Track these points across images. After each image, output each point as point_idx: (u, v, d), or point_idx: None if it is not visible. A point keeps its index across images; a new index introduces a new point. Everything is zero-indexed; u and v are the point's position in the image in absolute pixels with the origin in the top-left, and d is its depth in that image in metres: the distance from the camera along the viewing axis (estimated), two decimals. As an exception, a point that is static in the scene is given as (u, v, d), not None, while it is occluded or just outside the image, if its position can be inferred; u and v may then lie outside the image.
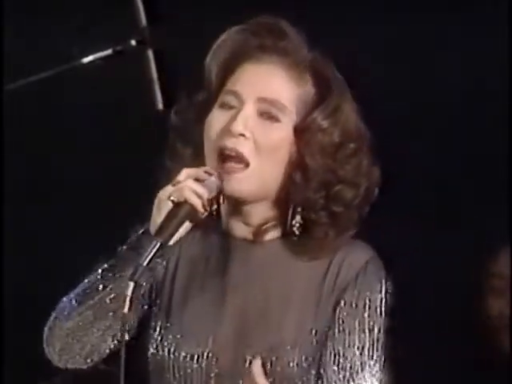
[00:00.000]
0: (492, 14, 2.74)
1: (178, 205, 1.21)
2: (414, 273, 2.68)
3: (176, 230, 1.20)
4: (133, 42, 2.31)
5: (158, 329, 1.32)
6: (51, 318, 1.31)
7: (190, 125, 1.37)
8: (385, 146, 2.74)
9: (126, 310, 1.16)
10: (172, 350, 1.29)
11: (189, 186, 1.22)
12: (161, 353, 1.30)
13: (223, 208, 1.31)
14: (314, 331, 1.30)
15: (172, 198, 1.21)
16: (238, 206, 1.31)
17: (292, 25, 1.40)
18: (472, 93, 2.77)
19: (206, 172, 1.26)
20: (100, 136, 2.91)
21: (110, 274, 1.27)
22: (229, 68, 1.35)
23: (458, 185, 2.78)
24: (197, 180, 1.23)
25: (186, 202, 1.21)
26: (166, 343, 1.30)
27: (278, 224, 1.34)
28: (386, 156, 2.75)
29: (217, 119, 1.32)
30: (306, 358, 1.29)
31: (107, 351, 1.30)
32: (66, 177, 3.04)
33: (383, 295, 1.33)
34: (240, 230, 1.34)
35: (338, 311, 1.30)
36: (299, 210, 1.32)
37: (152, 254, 1.16)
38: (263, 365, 1.27)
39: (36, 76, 2.37)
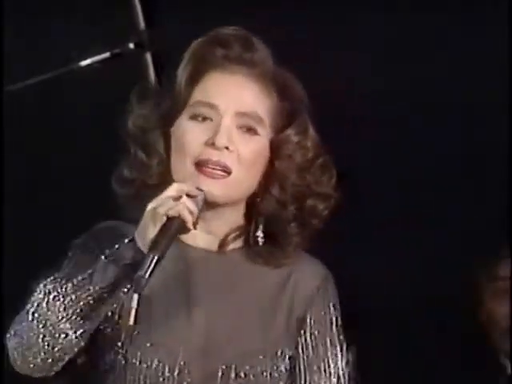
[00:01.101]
0: (492, 13, 2.75)
1: (170, 219, 1.21)
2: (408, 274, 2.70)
3: (170, 244, 1.20)
4: (131, 45, 2.31)
5: (122, 337, 1.30)
6: (16, 325, 1.27)
7: (152, 134, 1.37)
8: (383, 144, 2.76)
9: (131, 322, 1.17)
10: (143, 358, 1.29)
11: (183, 202, 1.22)
12: (130, 361, 1.29)
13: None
14: (280, 341, 1.33)
15: (169, 212, 1.21)
16: (206, 213, 1.31)
17: (289, 24, 1.41)
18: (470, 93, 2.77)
19: (197, 188, 1.27)
20: (99, 138, 2.91)
21: (91, 287, 1.23)
22: (195, 77, 1.35)
23: (457, 185, 2.79)
24: (188, 196, 1.24)
25: (178, 217, 1.21)
26: (135, 351, 1.29)
27: (242, 234, 1.36)
28: (384, 156, 2.77)
29: (191, 131, 1.32)
30: (277, 368, 1.32)
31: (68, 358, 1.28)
32: (66, 177, 3.04)
33: (339, 309, 1.39)
34: (202, 239, 1.34)
35: (307, 326, 1.35)
36: (262, 220, 1.35)
37: (152, 267, 1.16)
38: (237, 374, 1.29)
39: (34, 78, 2.36)
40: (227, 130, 1.30)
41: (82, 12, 2.83)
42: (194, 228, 1.23)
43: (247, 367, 1.29)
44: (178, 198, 1.22)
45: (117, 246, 1.24)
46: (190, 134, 1.32)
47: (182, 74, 1.37)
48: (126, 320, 1.19)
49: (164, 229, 1.20)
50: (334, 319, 1.36)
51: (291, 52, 1.66)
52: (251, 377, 1.29)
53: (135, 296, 1.16)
